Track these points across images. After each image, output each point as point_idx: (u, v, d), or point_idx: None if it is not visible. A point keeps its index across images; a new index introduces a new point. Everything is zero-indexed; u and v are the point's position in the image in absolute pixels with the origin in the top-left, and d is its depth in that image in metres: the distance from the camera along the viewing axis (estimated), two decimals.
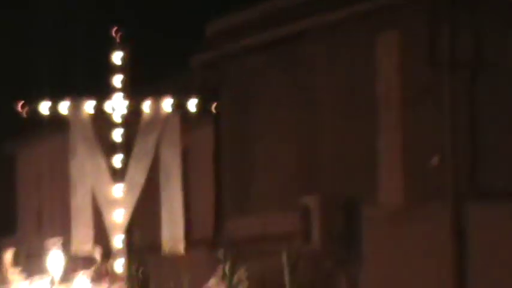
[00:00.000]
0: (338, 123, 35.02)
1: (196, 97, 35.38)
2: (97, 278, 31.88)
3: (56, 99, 34.47)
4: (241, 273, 29.81)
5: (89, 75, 37.35)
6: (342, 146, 34.75)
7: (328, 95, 35.34)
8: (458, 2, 29.24)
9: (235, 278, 29.69)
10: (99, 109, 33.65)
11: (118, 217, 34.06)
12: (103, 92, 33.74)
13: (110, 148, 33.78)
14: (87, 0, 60.85)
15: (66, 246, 32.96)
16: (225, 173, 39.70)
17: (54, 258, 32.06)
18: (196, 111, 35.26)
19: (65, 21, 56.10)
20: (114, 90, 33.15)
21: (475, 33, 28.40)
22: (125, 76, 33.50)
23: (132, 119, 33.79)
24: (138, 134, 34.11)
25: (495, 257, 27.74)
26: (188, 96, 35.16)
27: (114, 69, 33.11)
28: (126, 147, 33.94)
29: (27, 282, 31.85)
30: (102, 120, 34.09)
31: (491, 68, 29.25)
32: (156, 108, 34.17)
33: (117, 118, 33.50)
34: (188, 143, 38.18)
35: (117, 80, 33.16)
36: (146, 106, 33.89)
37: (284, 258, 29.87)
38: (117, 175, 34.08)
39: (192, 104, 34.70)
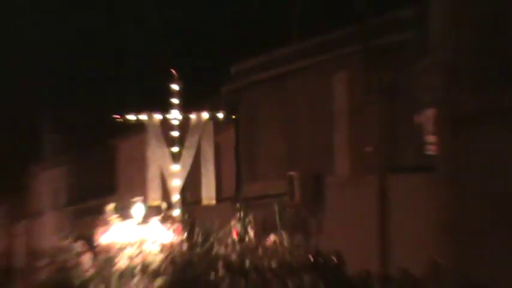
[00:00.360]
0: (310, 128, 36.45)
1: (223, 112, 38.71)
2: (163, 221, 34.47)
3: (138, 112, 37.58)
4: (250, 217, 32.37)
5: (158, 97, 38.65)
6: (312, 141, 36.23)
7: (304, 111, 36.92)
8: (382, 53, 30.09)
9: (247, 220, 32.09)
10: (164, 118, 36.28)
11: (175, 184, 37.46)
12: (167, 107, 37.19)
13: (171, 142, 36.84)
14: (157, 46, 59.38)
15: (144, 201, 36.52)
16: (241, 157, 41.51)
17: (138, 208, 35.33)
18: (223, 120, 39.14)
19: (144, 60, 55.54)
20: (173, 106, 36.85)
21: (391, 72, 29.81)
22: (180, 98, 36.90)
23: (184, 124, 37.00)
24: (187, 133, 36.64)
25: (406, 210, 28.14)
26: (218, 110, 38.73)
27: (173, 94, 36.88)
28: (181, 141, 36.59)
29: (121, 223, 34.35)
30: (166, 125, 37.16)
31: (404, 93, 29.67)
32: (199, 117, 37.60)
33: (175, 124, 36.41)
34: (218, 139, 40.33)
35: (175, 100, 37.06)
36: (193, 117, 37.41)
37: (276, 208, 32.80)
38: (175, 158, 37.54)
39: (220, 116, 38.47)
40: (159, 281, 24.98)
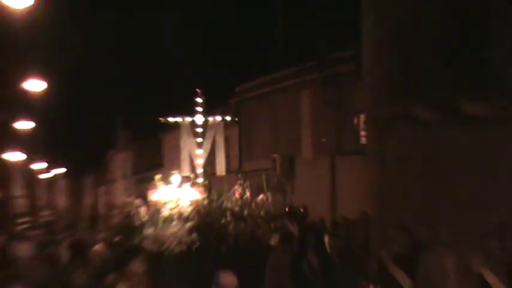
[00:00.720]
0: (286, 127, 36.93)
1: (230, 116, 40.82)
2: (192, 185, 36.23)
3: (176, 116, 39.18)
4: (247, 183, 33.81)
5: (189, 106, 38.81)
6: (288, 135, 36.63)
7: (282, 116, 37.39)
8: (333, 78, 30.51)
9: (245, 185, 33.42)
10: (192, 120, 37.76)
11: (199, 162, 39.99)
12: (194, 113, 38.96)
13: (196, 135, 39.08)
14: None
15: (180, 173, 38.63)
16: (242, 145, 42.08)
17: (176, 178, 36.63)
18: (230, 121, 41.29)
19: (182, 80, 53.53)
20: (198, 112, 39.00)
21: (338, 90, 30.31)
22: (202, 107, 38.92)
23: (205, 124, 39.31)
24: (207, 130, 38.84)
25: (348, 179, 28.31)
26: (227, 115, 40.78)
27: (198, 104, 39.04)
28: (202, 135, 38.06)
29: (165, 187, 35.55)
30: (193, 124, 39.10)
31: (346, 103, 30.04)
32: (214, 120, 39.93)
33: (199, 124, 38.14)
34: (227, 133, 41.66)
35: (199, 108, 39.13)
36: (210, 119, 39.44)
37: (264, 178, 34.34)
38: (199, 146, 39.67)
39: (228, 118, 40.68)
40: (188, 224, 25.78)
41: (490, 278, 14.13)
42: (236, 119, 41.60)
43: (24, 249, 16.82)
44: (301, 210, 26.38)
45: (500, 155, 18.70)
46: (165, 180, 38.12)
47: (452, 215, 17.61)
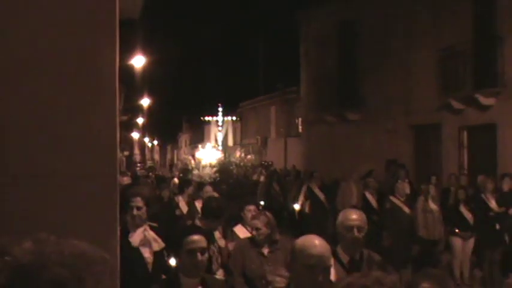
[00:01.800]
0: (264, 124, 33.64)
1: (236, 116, 37.70)
2: (215, 150, 33.25)
3: (209, 115, 36.88)
4: (243, 150, 31.38)
5: (214, 111, 38.73)
6: (263, 127, 33.21)
7: (261, 118, 33.98)
8: (288, 99, 27.86)
9: (242, 151, 31.09)
10: (216, 120, 36.08)
11: (219, 139, 36.15)
12: (217, 114, 35.31)
13: (218, 126, 35.88)
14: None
15: (210, 144, 34.50)
16: (242, 131, 37.72)
17: (208, 146, 34.33)
18: (236, 121, 38.01)
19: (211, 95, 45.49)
20: (219, 114, 35.44)
21: (290, 107, 28.87)
22: (222, 112, 35.93)
23: (223, 122, 36.44)
24: (224, 124, 36.77)
25: (292, 151, 25.72)
26: (235, 116, 37.34)
27: (219, 111, 35.12)
28: (221, 126, 36.46)
29: (203, 150, 33.82)
30: (217, 122, 36.51)
31: (293, 112, 27.78)
32: (228, 120, 36.56)
33: (220, 120, 36.31)
34: (235, 125, 38.14)
35: (220, 111, 35.17)
36: (226, 118, 36.27)
37: (251, 148, 31.60)
38: (220, 131, 35.19)
39: (234, 119, 37.41)
40: (214, 169, 23.80)
41: None
42: (239, 118, 39.41)
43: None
44: (270, 163, 25.06)
45: (362, 140, 18.33)
46: (204, 147, 36.51)
47: (340, 169, 15.99)
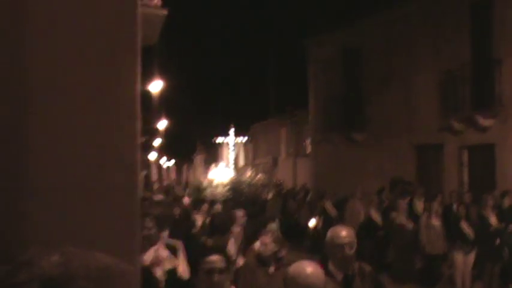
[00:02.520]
0: (273, 145, 33.18)
1: (248, 136, 36.78)
2: (228, 170, 31.90)
3: (221, 136, 35.66)
4: (254, 169, 29.93)
5: (226, 133, 37.47)
6: (273, 147, 32.71)
7: (271, 139, 33.33)
8: (297, 122, 27.69)
9: (252, 170, 29.69)
10: (227, 141, 34.81)
11: (231, 159, 35.12)
12: (228, 135, 33.54)
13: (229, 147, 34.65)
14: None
15: (223, 164, 33.83)
16: (253, 152, 37.08)
17: (221, 165, 33.74)
18: (247, 140, 36.66)
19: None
20: (230, 135, 34.20)
21: (299, 128, 29.44)
22: (233, 134, 34.71)
23: (235, 143, 34.96)
24: (236, 145, 35.48)
25: (301, 170, 25.63)
26: (246, 136, 36.21)
27: (230, 133, 33.94)
28: (233, 147, 35.38)
29: (216, 169, 32.36)
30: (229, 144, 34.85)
31: (301, 134, 27.43)
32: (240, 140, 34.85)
33: (232, 141, 35.18)
34: (247, 147, 37.57)
35: (232, 132, 34.11)
36: (238, 139, 34.88)
37: (262, 167, 30.65)
38: (231, 152, 34.16)
39: (246, 138, 36.14)
40: (226, 188, 23.11)
41: None
42: (250, 139, 38.25)
43: (158, 197, 16.80)
44: (280, 182, 25.22)
45: (367, 159, 18.31)
46: (216, 167, 34.90)
47: (346, 187, 15.80)
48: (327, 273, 3.38)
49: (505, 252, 9.70)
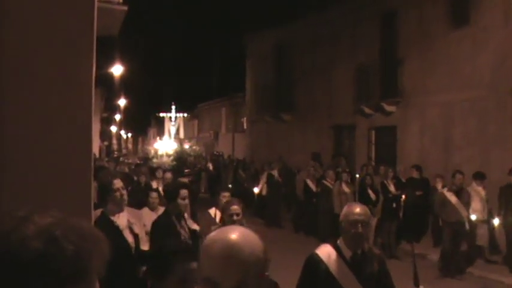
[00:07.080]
0: (215, 121, 31.87)
1: (190, 113, 33.07)
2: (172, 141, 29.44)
3: (165, 112, 31.88)
4: (195, 142, 28.78)
5: (169, 107, 35.79)
6: (215, 123, 31.52)
7: (213, 117, 32.21)
8: (237, 103, 26.36)
9: (193, 143, 28.85)
10: (170, 116, 30.84)
11: (172, 132, 32.91)
12: (170, 111, 29.15)
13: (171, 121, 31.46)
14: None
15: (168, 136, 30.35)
16: (197, 126, 35.15)
17: (165, 138, 30.29)
18: (189, 116, 32.76)
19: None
20: (172, 111, 30.19)
21: (239, 109, 27.51)
22: (176, 109, 31.40)
23: (176, 117, 31.87)
24: (177, 119, 32.34)
25: (239, 144, 24.38)
26: (188, 113, 32.59)
27: (172, 107, 30.31)
28: (175, 121, 32.57)
29: (161, 142, 29.93)
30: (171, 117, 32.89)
31: (239, 113, 26.46)
32: (181, 115, 31.18)
33: (174, 116, 32.33)
34: (191, 121, 34.55)
35: (174, 108, 30.24)
36: (179, 115, 30.32)
37: (203, 141, 29.13)
38: (173, 125, 30.51)
39: (187, 115, 32.45)
40: (171, 157, 21.90)
41: None
42: (197, 116, 36.80)
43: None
44: (220, 153, 24.87)
45: (293, 136, 18.26)
46: (161, 139, 34.16)
47: (275, 158, 15.92)
48: (336, 248, 3.06)
49: (400, 214, 10.02)
